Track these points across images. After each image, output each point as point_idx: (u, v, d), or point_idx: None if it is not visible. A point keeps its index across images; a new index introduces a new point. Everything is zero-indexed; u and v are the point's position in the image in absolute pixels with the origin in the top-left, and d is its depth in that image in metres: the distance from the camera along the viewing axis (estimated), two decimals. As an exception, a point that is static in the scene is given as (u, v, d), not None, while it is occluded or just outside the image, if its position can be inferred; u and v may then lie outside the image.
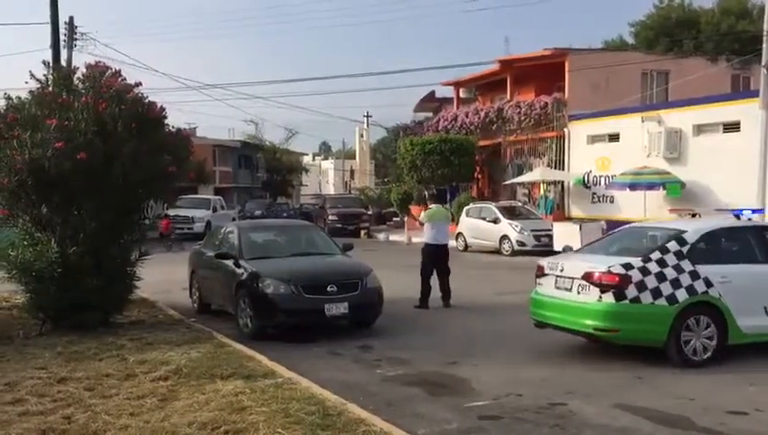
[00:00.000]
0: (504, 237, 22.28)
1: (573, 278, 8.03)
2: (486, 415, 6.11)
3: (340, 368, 7.86)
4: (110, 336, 8.79)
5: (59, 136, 8.63)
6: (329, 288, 9.38)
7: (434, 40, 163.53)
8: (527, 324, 10.43)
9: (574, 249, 18.54)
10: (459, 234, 23.70)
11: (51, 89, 9.40)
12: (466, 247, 23.58)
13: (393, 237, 29.93)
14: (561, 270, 8.27)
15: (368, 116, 63.29)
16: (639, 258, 7.81)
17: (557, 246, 20.79)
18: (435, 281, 12.03)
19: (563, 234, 20.80)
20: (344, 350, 8.71)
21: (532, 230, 21.99)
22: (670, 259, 7.76)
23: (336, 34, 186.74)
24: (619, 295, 7.60)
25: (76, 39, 25.10)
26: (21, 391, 6.42)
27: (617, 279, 7.62)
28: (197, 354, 7.80)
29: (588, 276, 7.82)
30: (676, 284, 7.65)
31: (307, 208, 41.17)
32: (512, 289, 14.30)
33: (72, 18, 25.25)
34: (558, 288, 8.27)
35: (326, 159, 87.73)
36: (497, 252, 22.32)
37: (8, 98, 9.44)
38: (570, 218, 24.94)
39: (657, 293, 7.61)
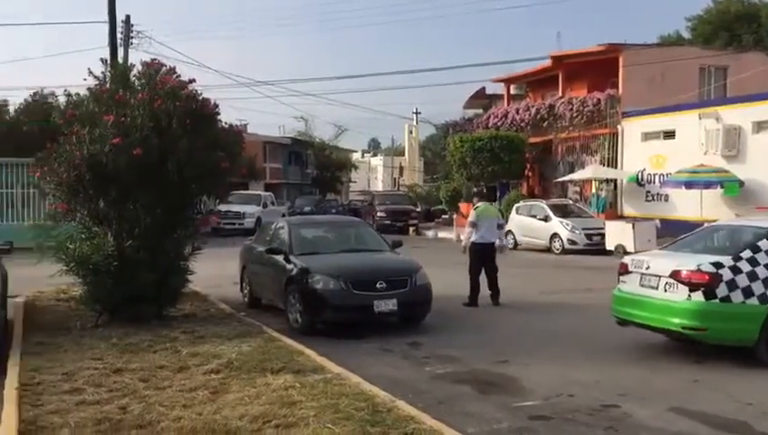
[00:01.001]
0: (555, 236, 22.00)
1: (660, 276, 7.95)
2: (537, 415, 6.02)
3: (390, 365, 7.85)
4: (163, 329, 8.94)
5: (116, 132, 8.82)
6: (378, 285, 9.38)
7: (484, 36, 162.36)
8: (579, 323, 10.32)
9: (628, 248, 18.33)
10: (509, 232, 23.44)
11: (108, 86, 9.60)
12: (516, 245, 23.34)
13: (442, 235, 29.84)
14: (647, 268, 8.19)
15: (417, 113, 63.27)
16: (729, 257, 7.68)
17: (609, 246, 20.47)
18: (483, 279, 11.93)
19: (616, 233, 20.45)
20: (393, 347, 8.70)
21: (584, 229, 21.66)
22: (762, 258, 7.62)
23: (387, 31, 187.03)
24: (709, 294, 7.49)
25: (132, 37, 25.71)
26: (78, 381, 6.58)
27: (707, 278, 7.51)
28: (248, 348, 7.88)
29: (676, 274, 7.73)
30: None
31: (355, 205, 41.36)
32: (563, 288, 14.13)
33: (128, 17, 25.88)
34: (643, 286, 8.20)
35: (375, 155, 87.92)
36: (548, 250, 22.04)
37: (68, 95, 9.70)
38: (623, 217, 24.49)
39: (748, 292, 7.49)
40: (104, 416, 5.56)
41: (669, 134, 24.42)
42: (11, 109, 24.74)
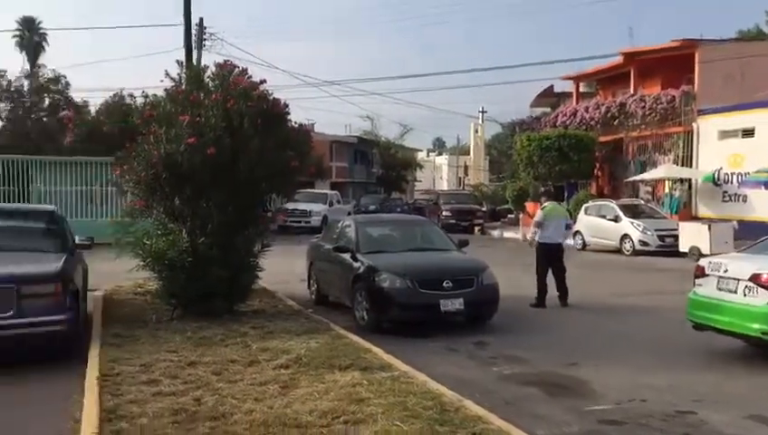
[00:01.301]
0: (626, 237, 21.49)
1: (739, 280, 7.70)
2: (608, 419, 5.91)
3: (456, 364, 7.84)
4: (234, 324, 9.14)
5: (191, 132, 9.07)
6: (444, 284, 9.37)
7: (553, 33, 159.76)
8: (650, 326, 10.07)
9: (703, 251, 17.74)
10: (577, 232, 23.03)
11: (184, 87, 9.88)
12: (584, 246, 22.91)
13: (507, 234, 29.55)
14: (725, 271, 7.94)
15: (483, 111, 62.80)
16: None
17: (683, 247, 19.87)
18: (551, 280, 11.77)
19: (691, 234, 19.82)
20: (459, 346, 8.67)
21: (656, 230, 21.09)
22: None
23: (452, 30, 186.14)
24: None
25: (205, 40, 26.38)
26: (155, 373, 6.81)
27: None
28: (316, 344, 7.99)
29: (756, 278, 7.49)
30: None
31: (420, 204, 41.38)
32: (633, 290, 13.80)
33: (201, 20, 26.57)
34: (720, 290, 7.95)
35: (440, 154, 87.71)
36: (618, 251, 21.55)
37: (146, 96, 10.03)
38: (697, 218, 23.73)
39: None
40: (180, 407, 5.74)
41: (748, 132, 23.52)
42: (92, 110, 25.82)
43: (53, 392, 6.56)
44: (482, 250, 16.55)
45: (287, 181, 10.32)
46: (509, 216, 35.21)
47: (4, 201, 22.49)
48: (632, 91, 29.77)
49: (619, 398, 6.51)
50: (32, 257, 8.20)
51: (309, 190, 31.23)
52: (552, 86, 39.86)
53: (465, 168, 66.12)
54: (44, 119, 38.54)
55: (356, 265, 10.08)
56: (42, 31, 45.44)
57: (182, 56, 21.18)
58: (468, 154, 68.41)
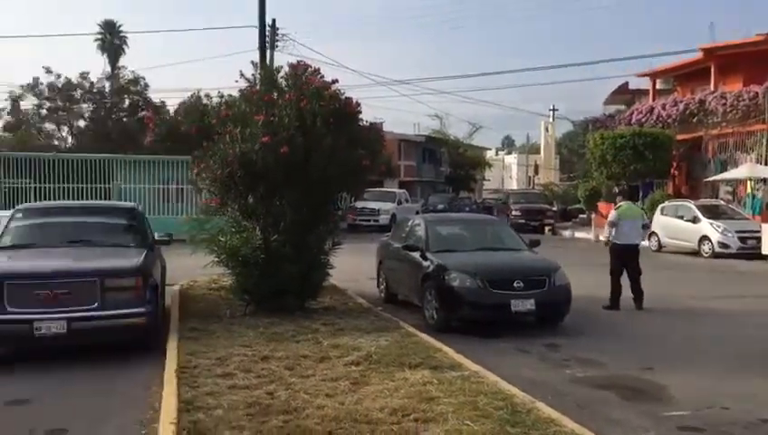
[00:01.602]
0: (704, 238, 20.73)
1: None
2: (687, 426, 5.73)
3: (527, 365, 7.73)
4: (305, 320, 9.29)
5: (265, 131, 9.24)
6: (515, 284, 9.26)
7: (628, 29, 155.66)
8: (731, 332, 9.70)
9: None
10: (653, 233, 22.36)
11: (258, 87, 10.08)
12: (660, 248, 22.24)
13: (579, 235, 28.99)
14: None
15: (554, 110, 61.78)
16: None
17: (766, 250, 19.07)
18: (625, 281, 11.47)
19: (774, 236, 19.00)
20: (530, 347, 8.56)
21: (737, 231, 20.27)
22: None
23: (523, 28, 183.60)
24: None
25: (278, 40, 26.85)
26: (230, 366, 6.98)
27: None
28: (386, 342, 8.03)
29: None
30: None
31: (489, 203, 41.01)
32: (712, 294, 13.32)
33: (274, 21, 27.07)
34: None
35: (509, 153, 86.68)
36: (695, 253, 20.84)
37: (221, 96, 10.28)
38: (782, 220, 22.67)
39: None
40: (254, 400, 5.88)
41: (837, 130, 22.35)
42: (170, 110, 26.70)
43: (134, 383, 6.82)
44: (553, 250, 16.27)
45: (358, 180, 10.40)
46: (580, 216, 34.50)
47: (87, 198, 23.44)
48: (712, 88, 28.70)
49: (697, 404, 6.30)
50: (114, 252, 8.54)
51: (378, 189, 31.39)
52: (626, 83, 38.89)
53: (536, 167, 65.06)
54: (124, 119, 39.99)
55: (425, 263, 10.07)
56: (122, 34, 47.08)
57: (255, 57, 21.62)
58: (538, 153, 67.38)
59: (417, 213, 25.54)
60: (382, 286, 12.19)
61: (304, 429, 5.23)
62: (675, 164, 30.06)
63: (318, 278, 10.26)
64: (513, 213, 32.36)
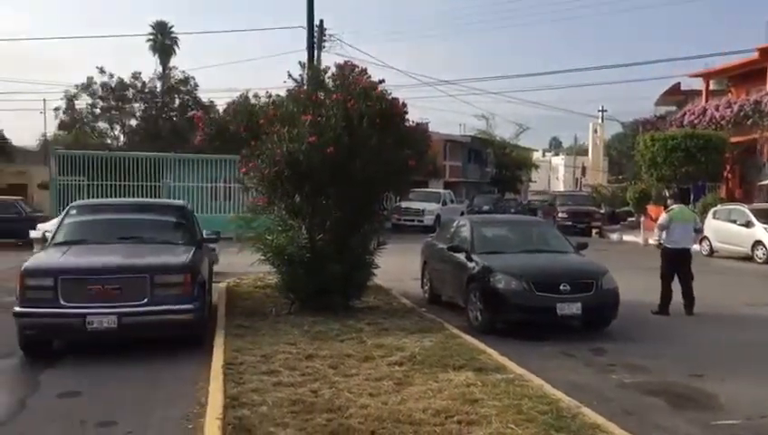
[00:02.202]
0: (758, 243, 20.14)
1: None
2: (738, 435, 5.59)
3: (572, 369, 7.63)
4: (350, 319, 9.32)
5: (312, 131, 9.32)
6: (561, 287, 9.14)
7: (681, 28, 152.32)
8: (786, 341, 9.40)
9: None
10: (704, 237, 21.82)
11: (305, 87, 10.16)
12: (712, 252, 21.69)
13: (627, 238, 28.45)
14: None
15: (603, 110, 60.84)
16: None
17: (822, 256, 18.44)
18: (675, 286, 11.22)
19: (832, 242, 18.36)
20: (576, 351, 8.44)
21: (793, 236, 19.64)
22: None
23: (572, 27, 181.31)
24: None
25: (325, 40, 27.06)
26: (275, 364, 7.06)
27: None
28: (430, 343, 8.01)
29: None
30: None
31: (534, 205, 40.57)
32: (765, 301, 12.94)
33: (322, 21, 27.30)
34: None
35: (556, 155, 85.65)
36: (749, 259, 20.26)
37: (269, 96, 10.38)
38: (840, 225, 21.88)
39: None
40: (298, 398, 5.93)
41: None
42: (219, 109, 27.19)
43: (181, 378, 6.96)
44: (599, 254, 16.02)
45: (403, 180, 10.40)
46: (629, 218, 33.88)
47: (138, 196, 23.96)
48: (768, 89, 27.94)
49: (749, 413, 6.13)
50: (164, 249, 8.70)
51: (422, 189, 31.32)
52: (678, 84, 38.08)
53: (583, 168, 64.18)
54: (174, 118, 40.81)
55: (470, 265, 10.02)
56: (173, 34, 48.03)
57: (303, 57, 21.80)
58: (586, 154, 66.42)
59: (463, 214, 25.48)
60: (426, 287, 12.17)
61: (348, 427, 5.25)
62: (728, 167, 29.32)
63: (362, 278, 10.28)
64: (560, 215, 31.94)
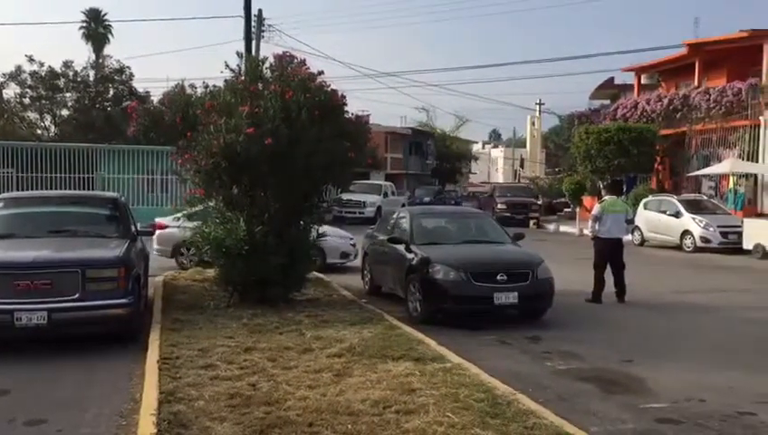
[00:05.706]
0: (686, 233, 20.93)
1: None
2: (665, 418, 5.79)
3: (509, 357, 7.79)
4: (289, 312, 9.28)
5: (250, 122, 9.20)
6: (498, 277, 9.30)
7: (613, 24, 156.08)
8: (710, 326, 9.81)
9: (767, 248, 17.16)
10: (636, 227, 22.52)
11: (243, 78, 10.03)
12: (643, 242, 22.41)
13: (564, 228, 29.14)
14: None
15: (540, 104, 61.99)
16: None
17: (747, 245, 19.29)
18: (608, 275, 11.55)
19: (755, 231, 19.21)
20: (512, 340, 8.61)
21: (719, 226, 20.46)
22: None
23: (510, 20, 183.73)
24: None
25: (264, 31, 26.73)
26: (212, 358, 6.97)
27: None
28: (369, 334, 8.04)
29: None
30: None
31: (475, 196, 41.11)
32: (693, 288, 13.46)
33: (260, 11, 26.94)
34: None
35: (496, 147, 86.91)
36: (678, 248, 21.02)
37: (206, 86, 10.21)
38: (763, 215, 22.93)
39: None
40: (236, 391, 5.88)
41: (819, 126, 22.58)
42: (154, 100, 26.61)
43: (116, 374, 6.80)
44: (537, 244, 16.38)
45: (343, 172, 10.38)
46: (565, 209, 34.68)
47: (70, 188, 23.26)
48: (696, 84, 28.91)
49: (676, 397, 6.38)
50: (96, 243, 8.48)
51: (364, 181, 31.35)
52: (612, 78, 39.13)
53: (522, 160, 65.37)
54: (108, 109, 39.65)
55: (410, 256, 10.09)
56: (106, 23, 46.65)
57: (241, 47, 21.50)
58: (525, 146, 67.64)
59: (403, 205, 25.57)
60: (367, 278, 12.20)
61: (285, 420, 5.23)
62: (658, 159, 30.24)
63: (302, 270, 10.24)
64: (499, 206, 32.45)
